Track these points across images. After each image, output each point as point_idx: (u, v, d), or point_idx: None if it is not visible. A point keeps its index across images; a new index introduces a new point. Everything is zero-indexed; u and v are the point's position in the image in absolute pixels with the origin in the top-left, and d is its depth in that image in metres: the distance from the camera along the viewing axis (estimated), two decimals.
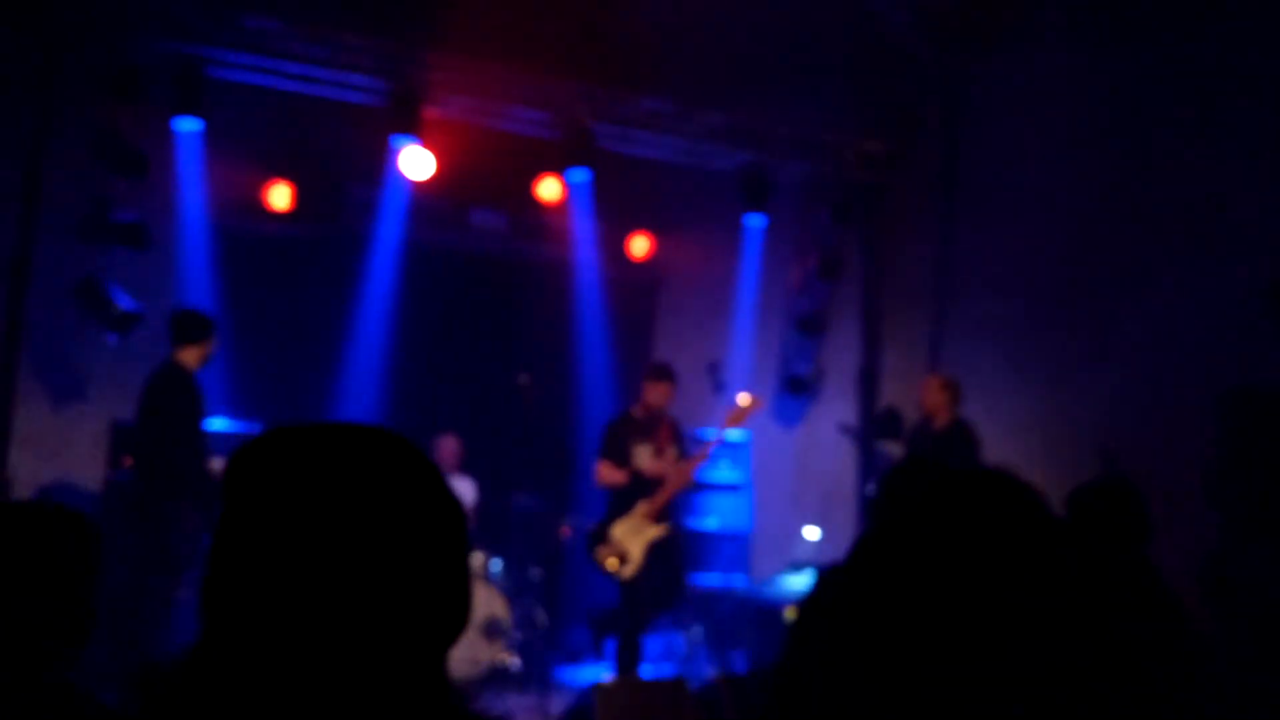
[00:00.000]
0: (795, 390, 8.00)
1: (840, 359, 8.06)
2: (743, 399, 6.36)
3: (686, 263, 7.91)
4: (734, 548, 7.40)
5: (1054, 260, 8.04)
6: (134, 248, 6.18)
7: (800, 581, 6.55)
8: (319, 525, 1.01)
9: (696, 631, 6.65)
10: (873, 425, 7.80)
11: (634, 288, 7.82)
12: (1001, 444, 7.60)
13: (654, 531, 6.04)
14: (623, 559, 6.00)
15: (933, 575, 1.23)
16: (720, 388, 7.95)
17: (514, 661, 6.06)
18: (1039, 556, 1.22)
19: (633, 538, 6.03)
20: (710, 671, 5.76)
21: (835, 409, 8.00)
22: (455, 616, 1.07)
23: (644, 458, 6.14)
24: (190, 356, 5.46)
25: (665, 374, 6.34)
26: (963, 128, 8.25)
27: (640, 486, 6.08)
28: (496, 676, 5.97)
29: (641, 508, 6.06)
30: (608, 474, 6.14)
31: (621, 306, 7.72)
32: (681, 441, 6.31)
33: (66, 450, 6.30)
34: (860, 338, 8.16)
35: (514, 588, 6.31)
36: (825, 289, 8.05)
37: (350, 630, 1.00)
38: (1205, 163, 7.40)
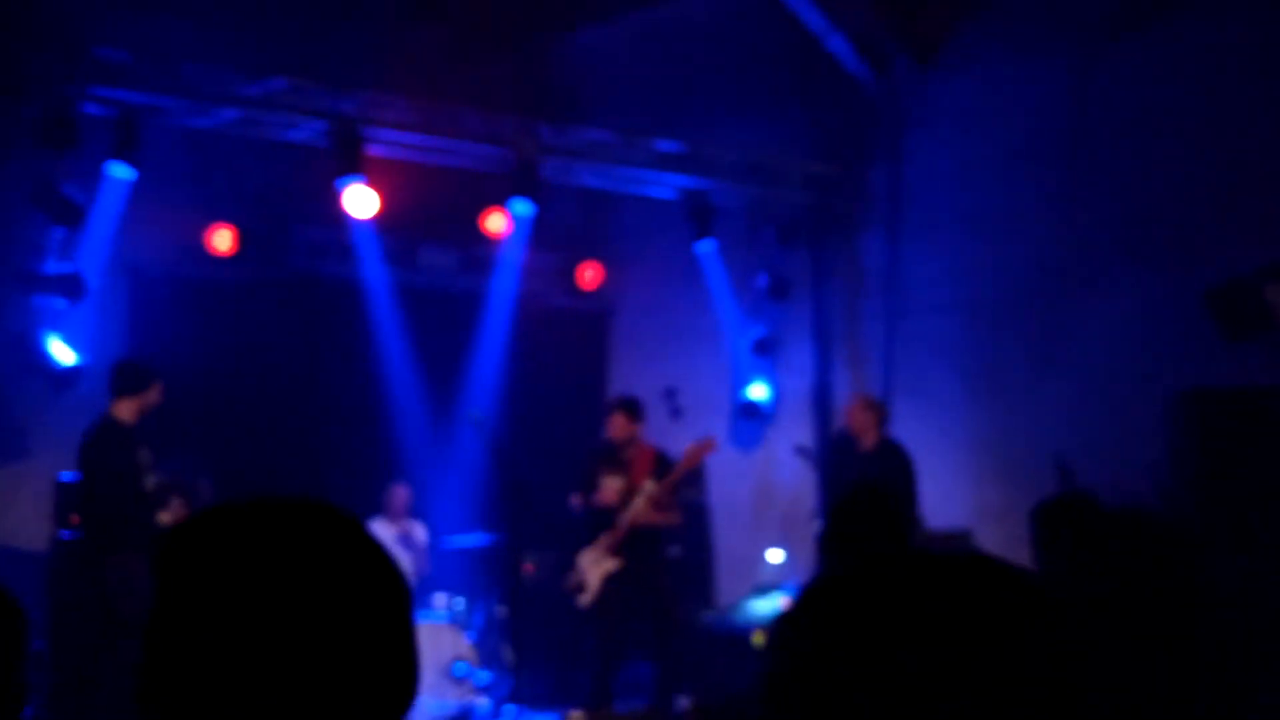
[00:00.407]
0: (751, 414, 8.03)
1: (795, 380, 8.10)
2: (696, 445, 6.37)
3: (638, 290, 7.92)
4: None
5: (1000, 275, 8.16)
6: (70, 298, 6.05)
7: (766, 605, 6.53)
8: (255, 608, 1.00)
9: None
10: (829, 446, 7.84)
11: (586, 317, 7.81)
12: (957, 460, 7.67)
13: (609, 564, 6.02)
14: (580, 587, 6.04)
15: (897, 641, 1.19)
16: (677, 413, 7.94)
17: (482, 701, 5.97)
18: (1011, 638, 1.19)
19: (592, 568, 6.05)
20: (682, 703, 5.71)
21: (792, 430, 8.03)
22: (402, 692, 1.05)
23: (609, 489, 6.11)
24: (126, 409, 5.29)
25: (618, 406, 6.35)
26: (906, 147, 8.36)
27: (605, 518, 6.05)
28: (464, 718, 5.87)
29: (603, 539, 6.03)
30: (574, 502, 6.18)
31: (574, 337, 7.70)
32: (665, 473, 6.22)
33: (11, 509, 6.12)
34: (813, 359, 8.22)
35: (479, 627, 6.23)
36: (776, 311, 8.10)
37: (293, 714, 0.99)
38: (1145, 173, 7.57)
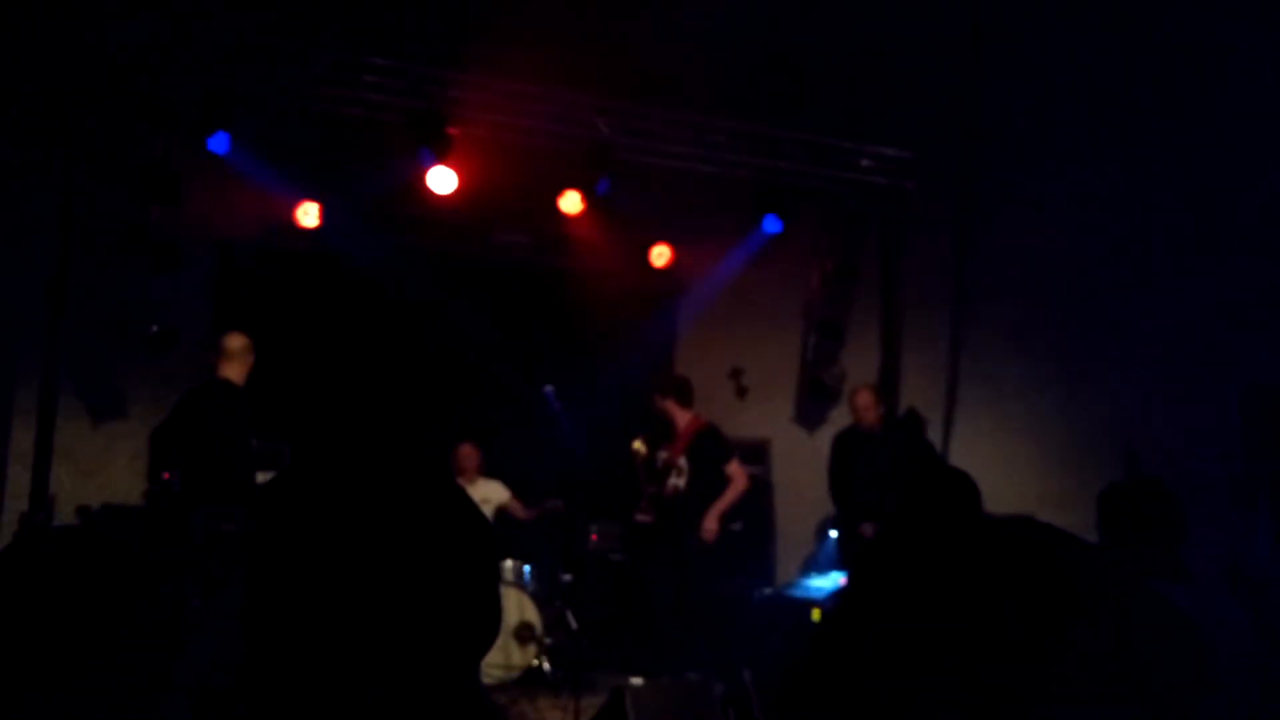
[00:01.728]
0: (817, 393, 8.08)
1: (861, 362, 8.14)
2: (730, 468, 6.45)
3: (707, 270, 8.00)
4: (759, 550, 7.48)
5: (1073, 261, 8.09)
6: (166, 271, 6.35)
7: (824, 583, 6.62)
8: (352, 546, 1.06)
9: (724, 634, 6.73)
10: (895, 427, 7.86)
11: (656, 296, 7.92)
12: (1021, 447, 7.66)
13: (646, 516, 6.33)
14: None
15: (961, 592, 1.30)
16: (743, 393, 8.04)
17: (546, 665, 6.17)
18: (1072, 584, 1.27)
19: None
20: (739, 674, 5.83)
21: None
22: (487, 628, 1.11)
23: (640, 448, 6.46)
24: (235, 372, 5.58)
25: (658, 388, 6.55)
26: (979, 132, 8.31)
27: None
28: (529, 679, 6.08)
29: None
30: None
31: (643, 315, 7.82)
32: (705, 451, 6.33)
33: (107, 467, 6.47)
34: (880, 341, 8.24)
35: (545, 593, 6.42)
36: (844, 294, 8.13)
37: (386, 646, 1.04)
38: (1226, 162, 7.44)
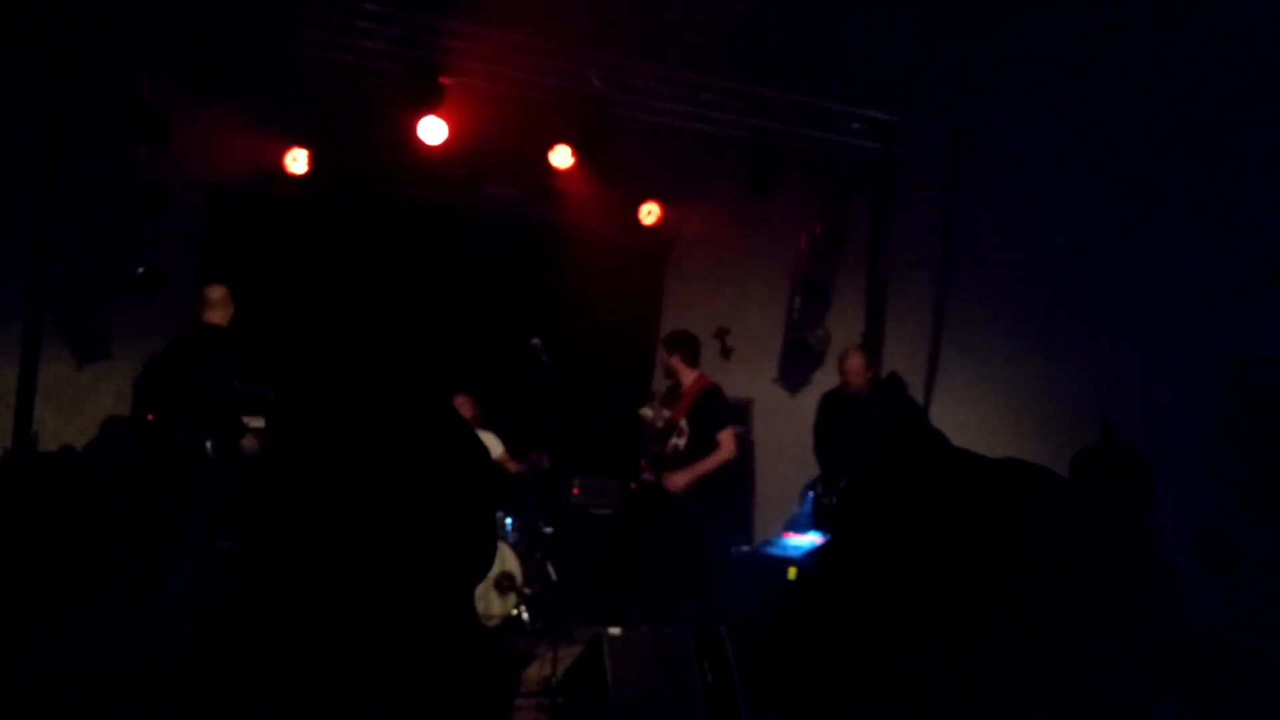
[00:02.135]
0: (802, 355, 8.14)
1: (846, 324, 8.20)
2: (723, 435, 6.38)
3: (695, 229, 8.02)
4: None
5: (1057, 229, 8.14)
6: (154, 212, 6.32)
7: (802, 542, 6.71)
8: (353, 467, 1.08)
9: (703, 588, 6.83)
10: (879, 389, 7.93)
11: (644, 254, 7.94)
12: (1001, 412, 7.75)
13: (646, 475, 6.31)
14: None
15: (941, 532, 1.34)
16: (727, 353, 8.09)
17: (525, 615, 6.26)
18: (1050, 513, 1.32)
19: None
20: (714, 627, 5.93)
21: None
22: (482, 553, 1.17)
23: (654, 415, 6.38)
24: (220, 316, 5.68)
25: (667, 348, 6.49)
26: (967, 96, 8.32)
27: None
28: (509, 629, 6.16)
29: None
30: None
31: (631, 272, 7.84)
32: (706, 414, 6.28)
33: (90, 407, 6.48)
34: (865, 304, 8.29)
35: (526, 545, 6.50)
36: (832, 256, 8.16)
37: (384, 564, 1.07)
38: (1210, 133, 7.48)
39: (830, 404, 6.98)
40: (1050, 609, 1.29)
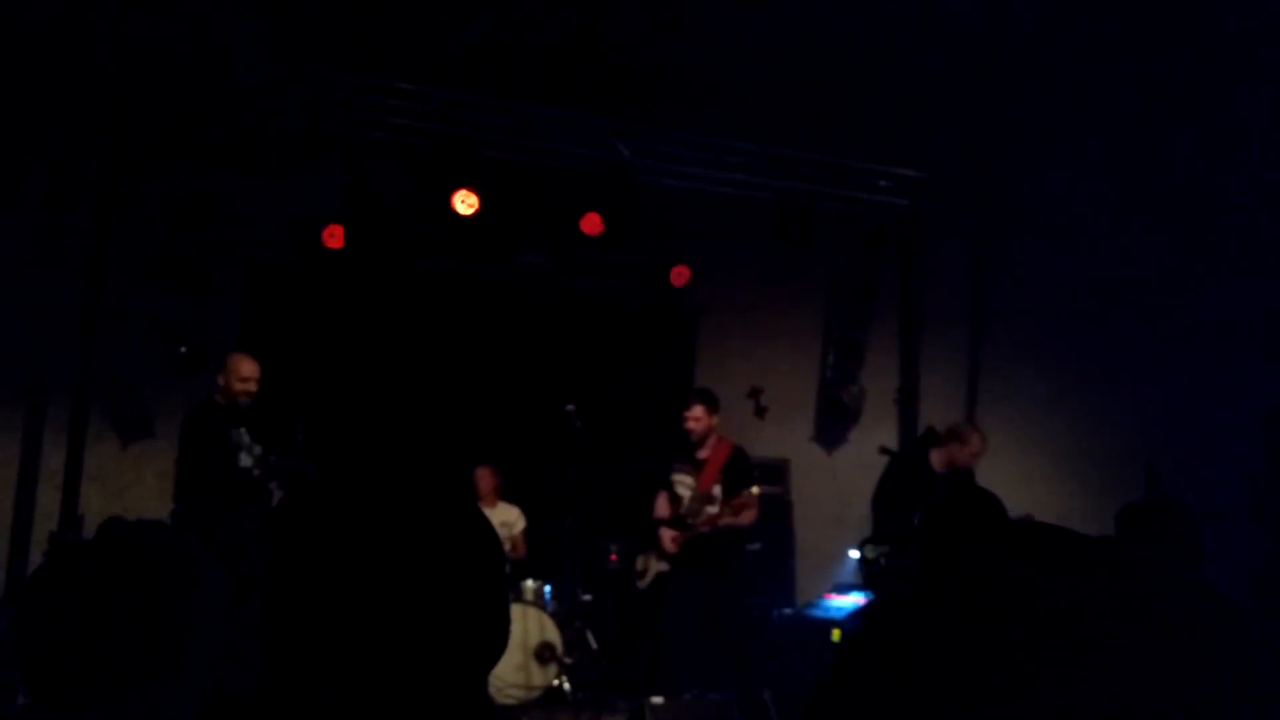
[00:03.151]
0: (836, 413, 8.11)
1: (880, 381, 8.17)
2: (755, 490, 6.22)
3: (725, 290, 8.06)
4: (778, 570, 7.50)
5: (1091, 279, 8.11)
6: (196, 291, 6.46)
7: (845, 603, 6.63)
8: (364, 558, 1.09)
9: (748, 656, 6.75)
10: (911, 447, 7.87)
11: (675, 317, 7.98)
12: (1041, 466, 7.66)
13: (661, 567, 6.26)
14: (642, 575, 6.38)
15: (988, 618, 1.31)
16: (761, 412, 8.08)
17: (567, 685, 6.21)
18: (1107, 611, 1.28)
19: (653, 563, 6.36)
20: (759, 693, 5.85)
21: (876, 431, 8.10)
22: (495, 641, 1.16)
23: (680, 487, 6.30)
24: (220, 392, 5.72)
25: (699, 397, 6.41)
26: (994, 150, 8.36)
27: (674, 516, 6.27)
28: (550, 699, 6.11)
29: (666, 536, 6.25)
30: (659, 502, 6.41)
31: (663, 336, 7.88)
32: (738, 476, 6.23)
33: (134, 485, 6.57)
34: (898, 360, 8.27)
35: (565, 612, 6.46)
36: (863, 313, 8.16)
37: (396, 657, 1.07)
38: (1247, 172, 7.44)
39: (905, 466, 6.78)
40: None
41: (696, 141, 7.54)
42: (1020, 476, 7.41)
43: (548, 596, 6.49)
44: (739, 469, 6.27)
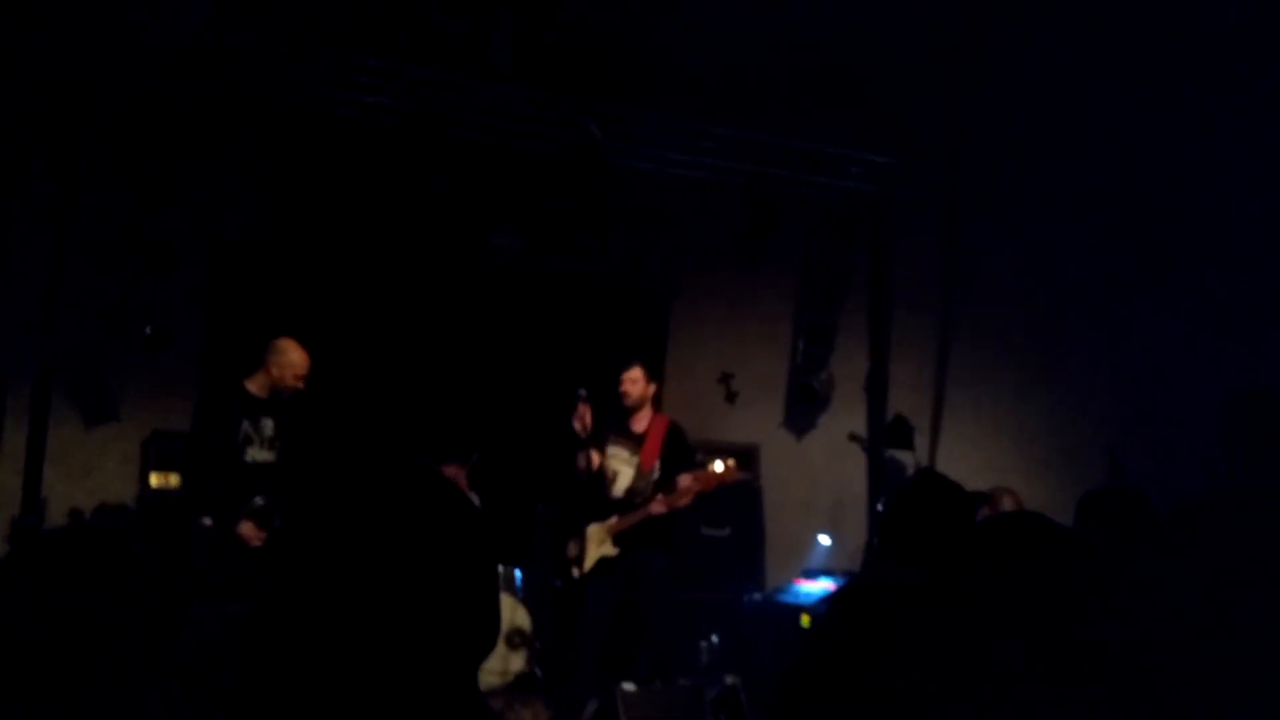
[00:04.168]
0: (806, 399, 8.15)
1: (850, 368, 8.21)
2: (717, 466, 5.89)
3: (697, 274, 8.06)
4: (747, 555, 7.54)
5: (1060, 265, 8.18)
6: (160, 271, 6.34)
7: (814, 589, 6.68)
8: (360, 552, 1.11)
9: (714, 640, 6.80)
10: (882, 433, 7.94)
11: (646, 301, 7.97)
12: (1007, 452, 7.75)
13: (607, 550, 5.89)
14: (579, 560, 5.91)
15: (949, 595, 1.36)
16: (732, 397, 8.09)
17: (538, 670, 6.21)
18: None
19: (594, 546, 5.95)
20: (729, 679, 5.90)
21: (845, 417, 8.15)
22: (486, 634, 1.19)
23: (617, 461, 5.95)
24: (254, 383, 5.44)
25: (639, 361, 6.02)
26: (965, 136, 8.39)
27: (611, 498, 5.93)
28: (521, 685, 6.12)
29: (611, 521, 5.92)
30: (581, 464, 5.94)
31: (634, 320, 7.86)
32: (678, 455, 5.99)
33: (98, 468, 6.46)
34: (868, 347, 8.31)
35: (536, 598, 6.46)
36: (833, 299, 8.19)
37: (390, 649, 1.10)
38: (1212, 167, 7.53)
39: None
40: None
41: (669, 125, 7.50)
42: (986, 464, 7.49)
43: (519, 582, 6.48)
44: (680, 448, 6.02)
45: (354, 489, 1.16)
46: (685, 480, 5.89)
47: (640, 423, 6.02)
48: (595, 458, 5.95)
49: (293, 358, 5.43)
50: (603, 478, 5.97)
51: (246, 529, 5.15)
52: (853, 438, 7.75)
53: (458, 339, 7.30)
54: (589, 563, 5.93)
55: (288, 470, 5.34)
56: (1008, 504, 6.16)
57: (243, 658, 1.16)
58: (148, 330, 6.26)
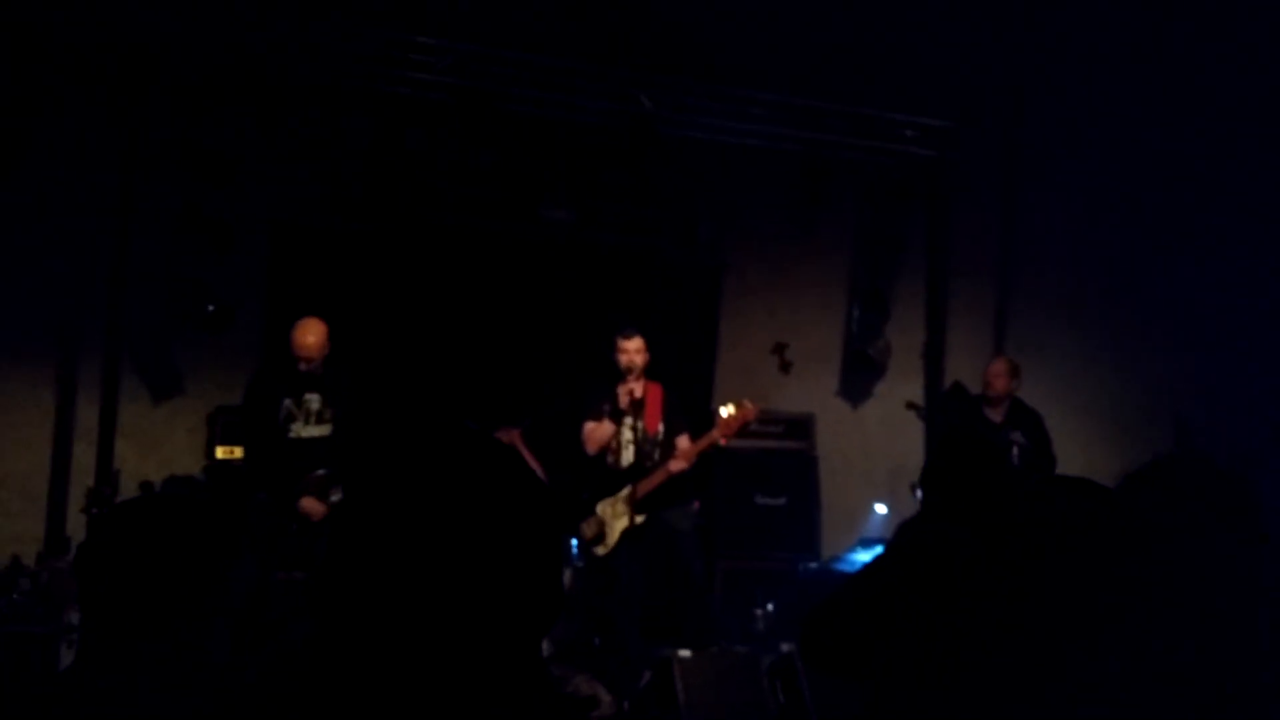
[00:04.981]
0: (862, 367, 8.08)
1: (906, 335, 8.12)
2: (725, 411, 5.95)
3: (750, 244, 8.02)
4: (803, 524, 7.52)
5: (1121, 231, 8.00)
6: (221, 250, 6.49)
7: (870, 557, 6.65)
8: (425, 525, 1.10)
9: (769, 608, 6.81)
10: (939, 401, 7.85)
11: (699, 272, 7.95)
12: (1067, 420, 7.61)
13: (629, 520, 5.87)
14: (600, 538, 5.93)
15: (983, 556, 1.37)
16: (787, 368, 8.06)
17: (596, 640, 6.27)
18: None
19: (613, 521, 5.97)
20: (785, 647, 5.90)
21: (902, 385, 8.07)
22: (551, 606, 1.17)
23: (609, 433, 5.95)
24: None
25: (637, 329, 6.03)
26: (1022, 99, 8.21)
27: (619, 468, 5.93)
28: (576, 653, 6.18)
29: (625, 492, 5.91)
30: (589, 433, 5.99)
31: (687, 291, 7.85)
32: (678, 416, 6.05)
33: (167, 442, 6.66)
34: (924, 313, 8.21)
35: (590, 566, 6.50)
36: (889, 266, 8.10)
37: (453, 621, 1.08)
38: (1276, 122, 7.29)
39: (963, 408, 6.78)
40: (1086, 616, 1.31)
41: (720, 93, 7.45)
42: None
43: (575, 550, 6.53)
44: (679, 409, 6.10)
45: (413, 459, 1.16)
46: (684, 442, 5.97)
47: (636, 389, 6.04)
48: (610, 427, 5.97)
49: (297, 338, 5.51)
50: (607, 450, 6.00)
51: (307, 503, 5.27)
52: (910, 406, 7.66)
53: (511, 313, 7.36)
54: (612, 538, 5.95)
55: (346, 442, 5.44)
56: (1000, 383, 6.42)
57: (307, 627, 1.17)
58: (210, 308, 6.41)
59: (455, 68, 6.87)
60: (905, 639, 1.54)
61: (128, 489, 6.23)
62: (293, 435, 5.46)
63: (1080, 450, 7.41)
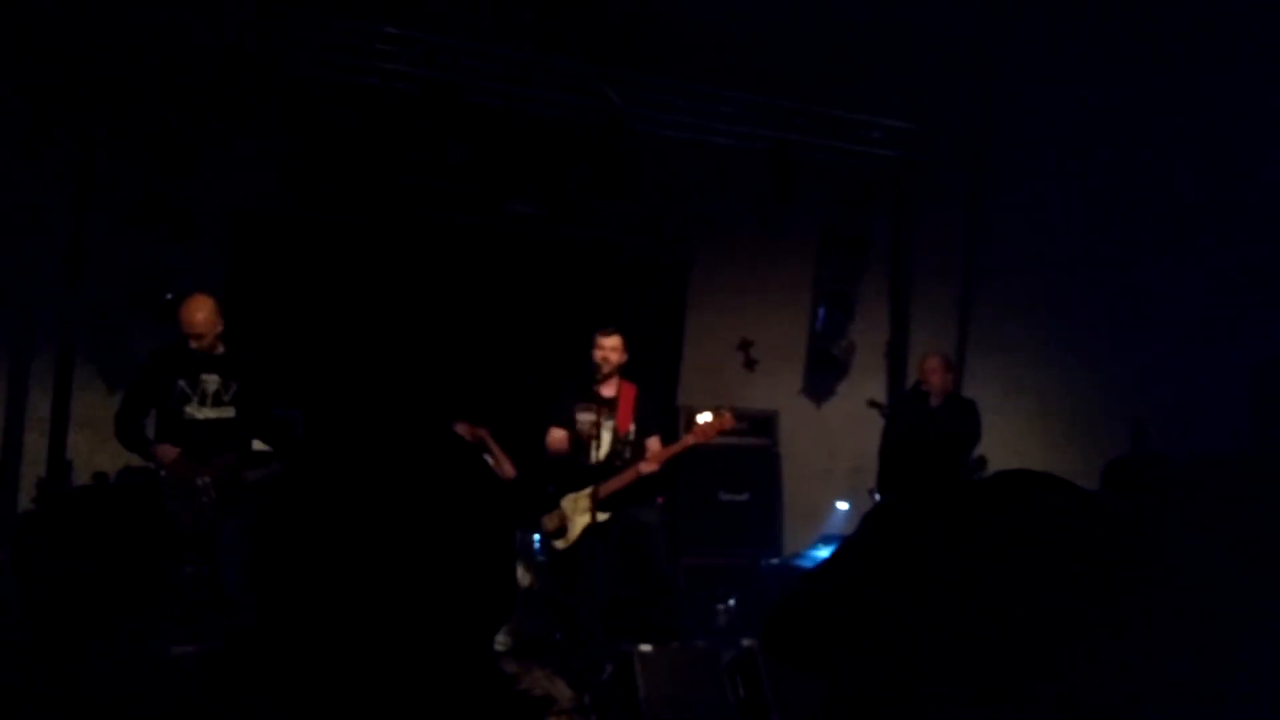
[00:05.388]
0: (826, 366, 8.11)
1: (870, 334, 8.17)
2: (703, 418, 5.96)
3: (718, 242, 8.02)
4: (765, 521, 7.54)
5: (1082, 232, 8.08)
6: (181, 238, 6.39)
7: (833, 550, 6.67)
8: (371, 516, 1.07)
9: (730, 603, 6.82)
10: (898, 400, 7.90)
11: (665, 268, 7.94)
12: (1028, 420, 7.69)
13: (592, 517, 5.80)
14: (561, 532, 5.89)
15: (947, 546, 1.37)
16: (751, 365, 8.07)
17: (556, 632, 6.24)
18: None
19: (576, 516, 5.94)
20: (745, 642, 5.90)
21: (865, 384, 8.12)
22: (502, 602, 1.14)
23: (586, 426, 5.89)
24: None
25: (616, 328, 6.00)
26: (988, 102, 8.28)
27: (589, 464, 5.82)
28: (536, 648, 6.15)
29: (590, 489, 5.84)
30: (553, 438, 5.98)
31: (653, 287, 7.84)
32: (651, 417, 6.07)
33: None
34: (889, 313, 8.26)
35: (551, 562, 6.48)
36: (854, 266, 8.14)
37: (402, 616, 1.06)
38: (1241, 129, 7.40)
39: (910, 402, 6.85)
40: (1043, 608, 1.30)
41: (688, 90, 7.45)
42: (1007, 430, 7.44)
43: (537, 546, 6.51)
44: (652, 411, 6.11)
45: (362, 450, 1.12)
46: (654, 444, 5.98)
47: (609, 388, 6.01)
48: (567, 443, 5.95)
49: (184, 315, 5.24)
50: (580, 444, 5.96)
51: (162, 450, 5.11)
52: (872, 404, 7.69)
53: (475, 306, 7.31)
54: (575, 533, 5.92)
55: (292, 438, 5.33)
56: (939, 365, 6.53)
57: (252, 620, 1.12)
58: (168, 296, 6.30)
59: (423, 59, 6.82)
60: (867, 632, 1.53)
61: (80, 480, 6.12)
62: (187, 416, 5.19)
63: (1039, 449, 7.48)
